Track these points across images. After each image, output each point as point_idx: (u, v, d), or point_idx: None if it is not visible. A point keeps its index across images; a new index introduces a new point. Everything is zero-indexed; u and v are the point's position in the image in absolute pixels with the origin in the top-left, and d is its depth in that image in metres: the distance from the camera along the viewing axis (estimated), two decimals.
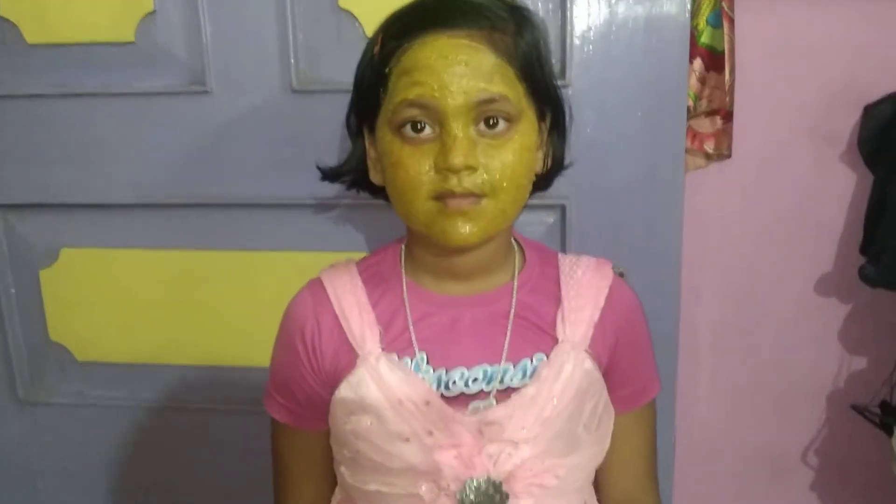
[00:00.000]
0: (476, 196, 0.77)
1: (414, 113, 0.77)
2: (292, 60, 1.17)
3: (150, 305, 1.32)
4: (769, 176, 1.37)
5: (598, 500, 0.96)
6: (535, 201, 1.17)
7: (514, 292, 0.87)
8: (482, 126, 0.77)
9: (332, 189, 1.00)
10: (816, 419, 1.50)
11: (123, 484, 1.43)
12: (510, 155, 0.77)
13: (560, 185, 1.16)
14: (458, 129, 0.76)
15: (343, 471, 0.88)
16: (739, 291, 1.43)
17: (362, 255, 0.96)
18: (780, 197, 1.38)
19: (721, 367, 1.48)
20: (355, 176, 0.90)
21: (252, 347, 1.28)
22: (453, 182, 0.75)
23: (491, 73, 0.76)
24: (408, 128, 0.77)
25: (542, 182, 0.90)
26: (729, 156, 1.27)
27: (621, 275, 1.18)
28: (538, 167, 0.86)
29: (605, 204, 1.19)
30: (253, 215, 1.25)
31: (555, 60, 1.15)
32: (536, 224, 1.22)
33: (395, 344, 0.85)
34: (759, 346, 1.46)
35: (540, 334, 0.86)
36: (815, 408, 1.50)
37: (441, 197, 0.77)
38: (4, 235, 1.33)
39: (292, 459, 0.94)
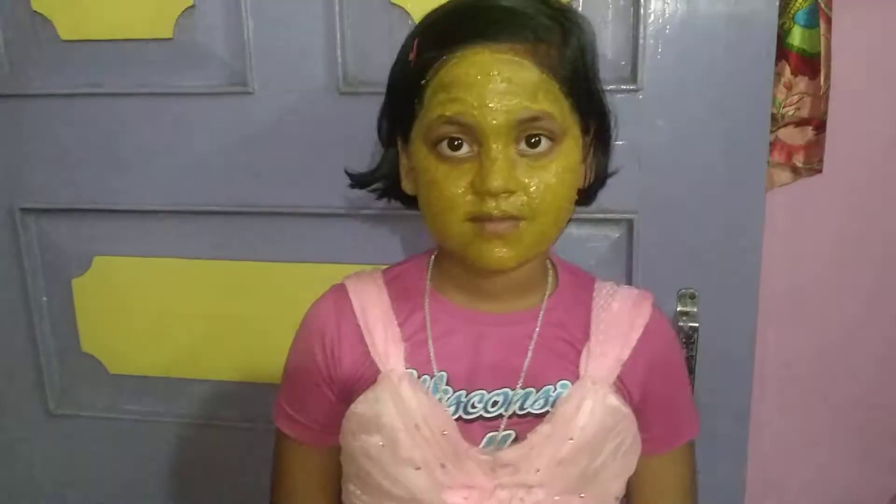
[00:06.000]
0: (514, 219, 0.73)
1: (451, 130, 0.73)
2: (339, 60, 1.10)
3: (185, 317, 1.26)
4: (863, 194, 1.24)
5: None
6: (599, 215, 1.11)
7: (541, 315, 0.83)
8: (523, 145, 0.73)
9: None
10: None
11: (154, 501, 1.37)
12: (552, 177, 0.74)
13: (628, 197, 1.09)
14: (498, 149, 0.72)
15: (352, 489, 0.85)
16: (823, 320, 1.31)
17: None
18: (875, 218, 1.25)
19: (797, 402, 1.36)
20: (386, 184, 0.88)
21: None
22: (491, 205, 0.72)
23: (535, 91, 0.72)
24: (444, 145, 0.74)
25: (584, 197, 0.85)
26: (820, 170, 1.16)
27: (692, 297, 1.11)
28: (580, 183, 0.81)
29: (676, 220, 1.10)
30: (296, 224, 1.19)
31: (624, 62, 1.07)
32: (601, 239, 1.13)
33: (413, 360, 0.81)
34: (841, 382, 1.33)
35: (564, 363, 0.82)
36: None
37: (477, 219, 0.73)
38: (37, 241, 1.29)
39: (299, 478, 0.90)
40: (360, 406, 0.80)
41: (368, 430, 0.80)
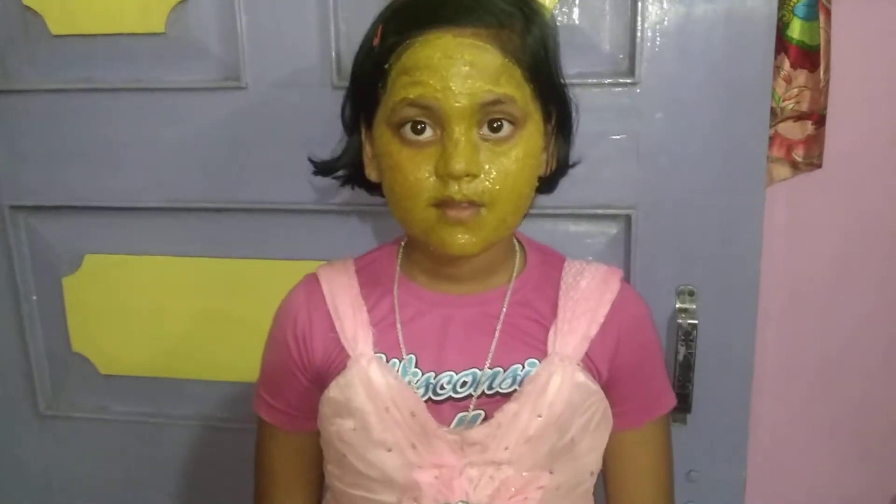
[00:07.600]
0: (475, 205, 0.75)
1: (414, 113, 0.75)
2: (333, 54, 1.09)
3: (177, 316, 1.24)
4: (863, 189, 1.22)
5: None
6: (597, 210, 1.09)
7: (508, 295, 0.85)
8: (485, 129, 0.75)
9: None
10: None
11: (146, 503, 1.36)
12: (512, 163, 0.75)
13: (626, 192, 1.08)
14: (461, 132, 0.73)
15: (331, 469, 0.88)
16: (823, 317, 1.28)
17: None
18: (876, 213, 1.23)
19: (798, 401, 1.34)
20: (350, 171, 0.90)
21: None
22: (453, 189, 0.74)
23: (497, 75, 0.74)
24: (407, 128, 0.76)
25: (546, 185, 0.87)
26: (819, 165, 1.15)
27: (691, 293, 1.10)
28: (541, 170, 0.83)
29: (675, 215, 1.08)
30: (289, 221, 1.18)
31: (622, 55, 1.06)
32: (597, 235, 1.12)
33: (382, 344, 0.84)
34: (843, 380, 1.31)
35: (531, 341, 0.84)
36: None
37: (441, 204, 0.75)
38: (27, 240, 1.27)
39: (281, 463, 0.93)
40: (333, 391, 0.82)
41: (341, 415, 0.82)
